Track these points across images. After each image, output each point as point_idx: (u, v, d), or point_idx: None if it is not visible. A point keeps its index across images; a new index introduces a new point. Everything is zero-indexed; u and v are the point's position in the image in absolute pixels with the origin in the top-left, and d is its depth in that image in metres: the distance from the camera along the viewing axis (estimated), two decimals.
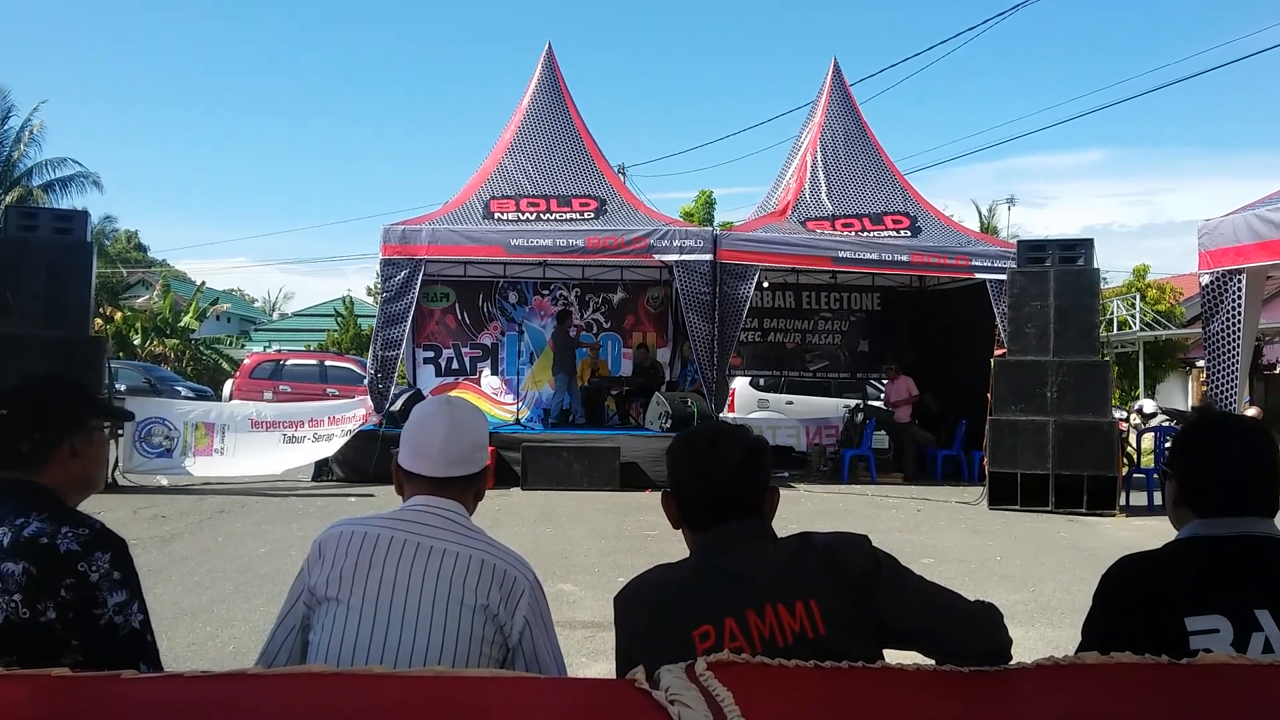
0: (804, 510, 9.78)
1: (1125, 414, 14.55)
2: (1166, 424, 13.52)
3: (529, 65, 14.96)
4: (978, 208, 37.50)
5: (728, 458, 1.75)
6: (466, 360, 15.81)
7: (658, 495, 1.90)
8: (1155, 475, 11.17)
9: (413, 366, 15.52)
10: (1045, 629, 5.41)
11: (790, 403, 17.82)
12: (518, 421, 14.25)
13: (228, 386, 21.62)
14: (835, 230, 13.16)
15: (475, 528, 1.89)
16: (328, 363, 22.02)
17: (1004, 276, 11.35)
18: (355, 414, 12.01)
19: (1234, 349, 9.44)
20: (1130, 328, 24.42)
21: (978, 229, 27.96)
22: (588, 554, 7.52)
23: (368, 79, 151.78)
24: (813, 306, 16.47)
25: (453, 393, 13.89)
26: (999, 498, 10.33)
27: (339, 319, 34.96)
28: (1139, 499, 10.89)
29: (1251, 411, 11.97)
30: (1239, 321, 9.40)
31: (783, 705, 1.23)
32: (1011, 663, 1.49)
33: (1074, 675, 1.31)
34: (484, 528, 1.91)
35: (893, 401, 14.00)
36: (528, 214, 12.97)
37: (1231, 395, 9.53)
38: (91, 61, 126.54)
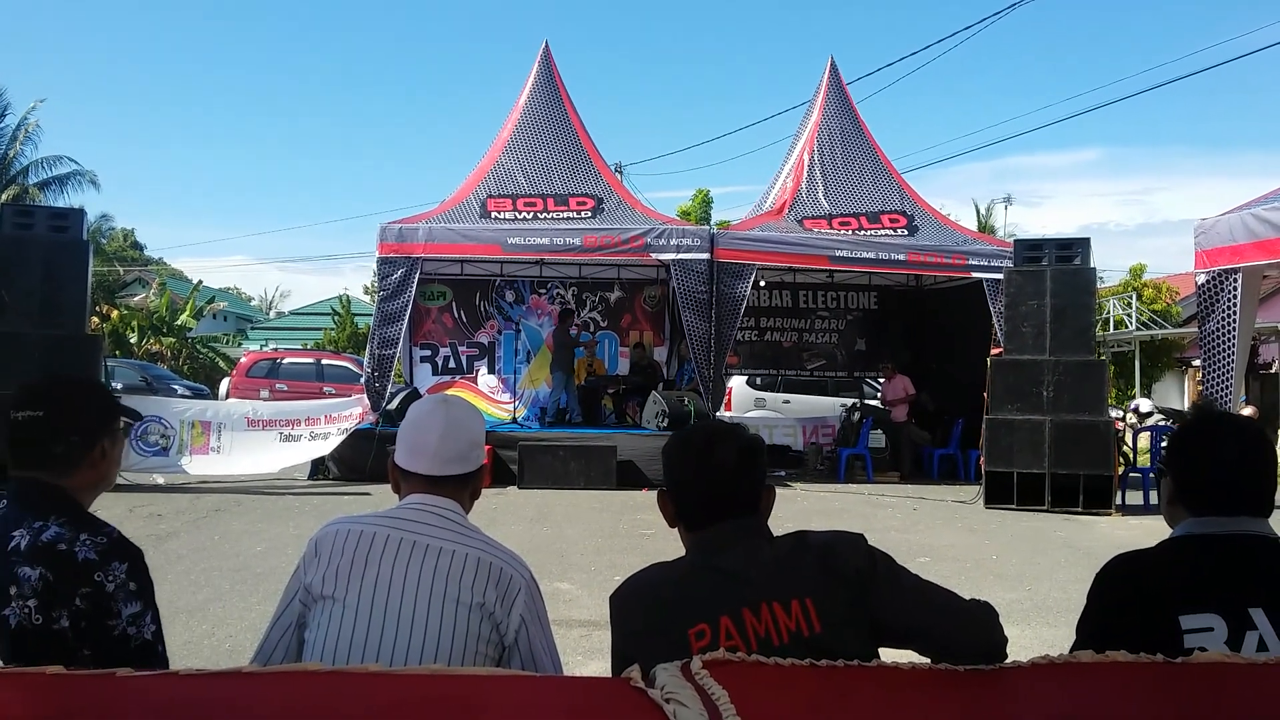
0: (800, 509, 9.78)
1: (1121, 413, 14.56)
2: (1162, 423, 13.55)
3: (526, 64, 14.97)
4: (977, 207, 37.58)
5: (724, 457, 1.74)
6: (463, 359, 15.80)
7: (654, 494, 1.90)
8: (1151, 474, 11.19)
9: (409, 365, 15.50)
10: (1041, 628, 5.42)
11: (787, 402, 17.82)
12: (514, 420, 14.24)
13: (224, 385, 21.63)
14: (832, 229, 13.16)
15: (472, 526, 1.89)
16: (324, 361, 22.00)
17: (1000, 276, 11.35)
18: (352, 412, 12.00)
19: (1230, 348, 9.46)
20: (1126, 327, 24.46)
21: (975, 228, 28.00)
22: (584, 553, 7.52)
23: (365, 78, 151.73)
24: (810, 305, 16.48)
25: (449, 391, 13.88)
26: (995, 497, 10.34)
27: (336, 317, 34.95)
28: (1135, 498, 10.91)
29: (1247, 411, 12.00)
30: (1234, 321, 9.42)
31: (778, 704, 1.23)
32: (1007, 661, 1.49)
33: (1069, 674, 1.32)
34: (480, 526, 1.91)
35: (889, 400, 14.01)
36: (524, 213, 12.95)
37: (1227, 394, 9.55)
38: (88, 60, 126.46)
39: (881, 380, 15.21)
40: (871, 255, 12.77)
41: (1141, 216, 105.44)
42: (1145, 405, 15.57)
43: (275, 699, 1.21)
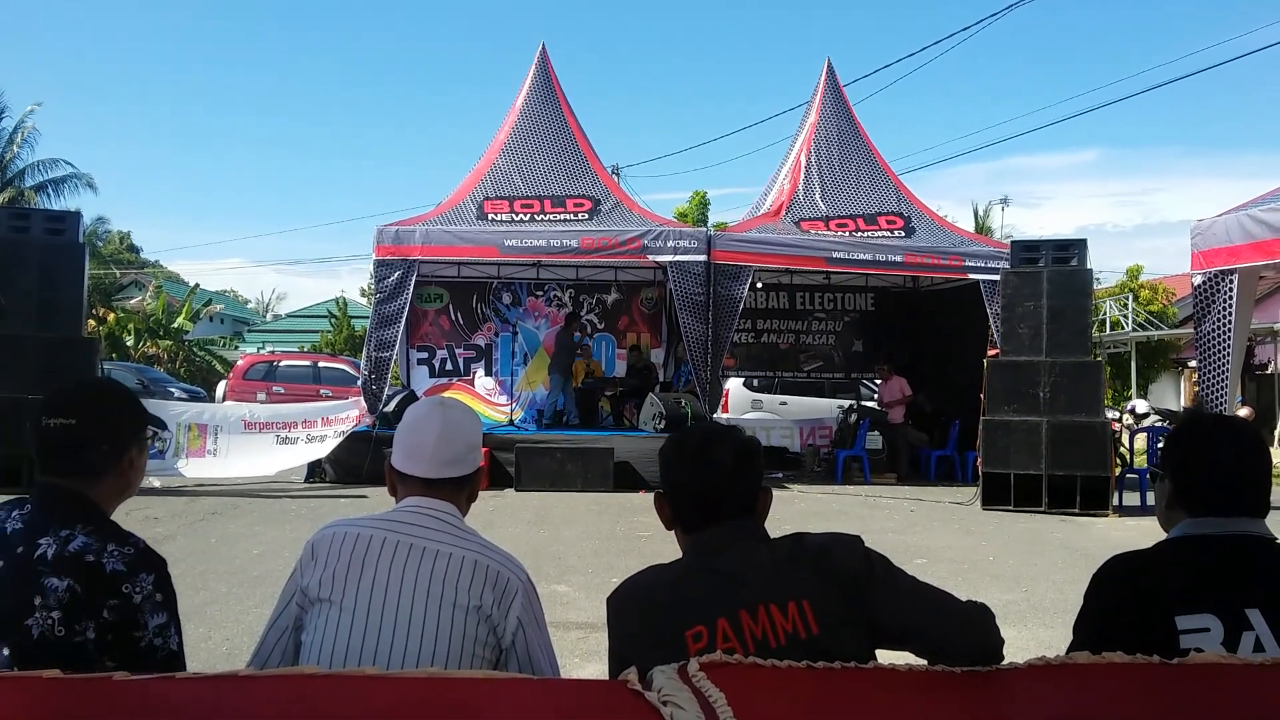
0: (797, 511, 9.79)
1: (1118, 414, 14.59)
2: (1159, 424, 13.57)
3: (523, 66, 14.99)
4: (975, 208, 37.63)
5: (720, 458, 1.75)
6: (460, 361, 15.79)
7: (651, 496, 1.90)
8: (1148, 475, 11.21)
9: (406, 367, 15.50)
10: (1038, 629, 5.42)
11: (784, 403, 17.84)
12: (511, 422, 14.25)
13: (221, 387, 21.62)
14: (829, 231, 13.17)
15: (468, 529, 1.89)
16: (321, 364, 21.99)
17: (997, 277, 11.36)
18: (348, 415, 11.99)
19: (1225, 349, 9.47)
20: (1123, 328, 24.50)
21: (973, 229, 28.03)
22: (581, 555, 7.52)
23: (362, 80, 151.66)
24: (807, 307, 16.49)
25: (446, 394, 13.88)
26: (992, 498, 10.35)
27: (333, 320, 34.94)
28: (1132, 499, 10.91)
29: (1243, 412, 12.03)
30: (1230, 322, 9.43)
31: (775, 706, 1.23)
32: (1004, 663, 1.49)
33: (1066, 675, 1.32)
34: (477, 529, 1.91)
35: (886, 402, 14.02)
36: (521, 215, 12.95)
37: (1223, 395, 9.55)
38: (85, 62, 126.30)
39: (878, 382, 15.22)
40: (868, 257, 12.79)
41: (1139, 217, 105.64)
42: (1142, 406, 15.58)
43: (272, 702, 1.21)
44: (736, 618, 1.59)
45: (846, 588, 1.62)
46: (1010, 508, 10.17)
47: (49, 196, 29.86)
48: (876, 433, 13.59)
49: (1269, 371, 22.79)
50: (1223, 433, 1.88)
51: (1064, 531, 9.11)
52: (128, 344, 28.72)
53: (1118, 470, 10.74)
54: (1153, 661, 1.34)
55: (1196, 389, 10.46)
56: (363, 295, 41.40)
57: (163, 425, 7.84)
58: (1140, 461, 12.15)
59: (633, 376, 14.80)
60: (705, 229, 15.18)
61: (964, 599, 1.68)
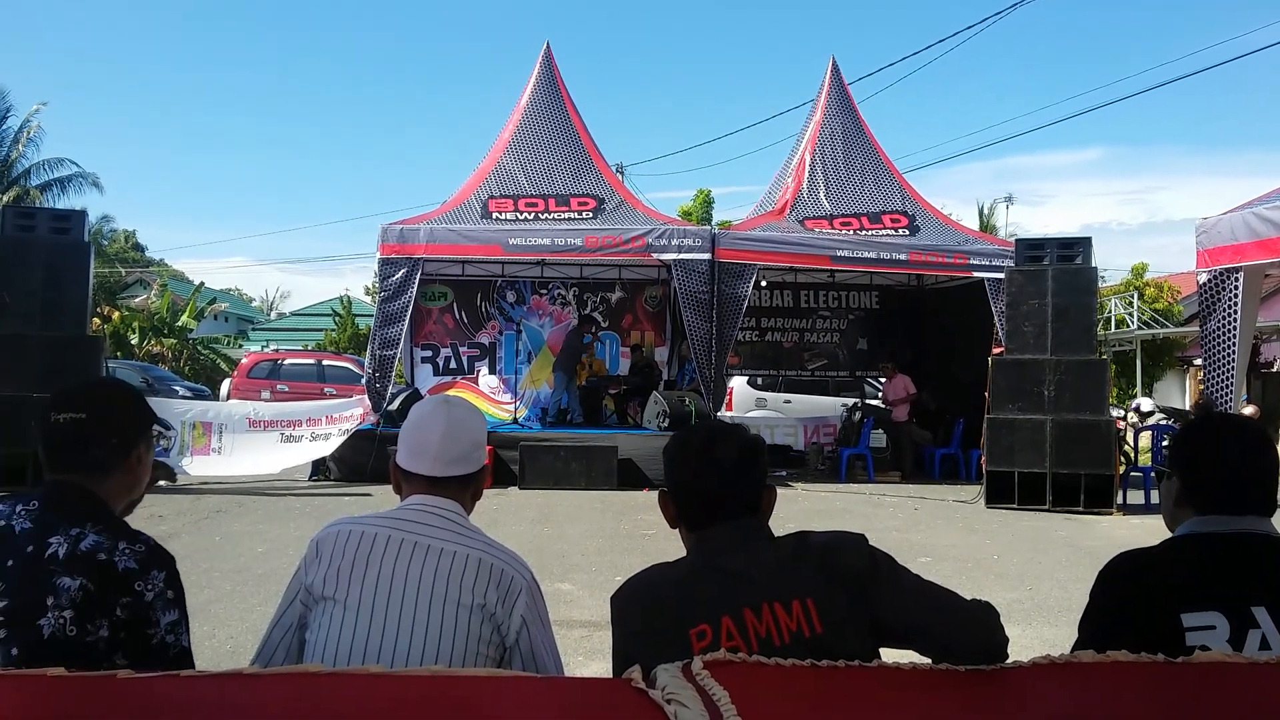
0: (801, 509, 9.78)
1: (1123, 412, 14.55)
2: (1164, 422, 13.53)
3: (527, 65, 14.97)
4: (979, 207, 37.53)
5: (724, 457, 1.74)
6: (464, 359, 15.80)
7: (655, 494, 1.90)
8: (1152, 474, 11.19)
9: (410, 366, 15.50)
10: (1042, 627, 5.41)
11: (788, 401, 17.82)
12: (515, 421, 14.24)
13: (225, 386, 21.60)
14: (833, 229, 13.15)
15: (473, 527, 1.89)
16: (325, 362, 21.98)
17: (1002, 275, 11.34)
18: (353, 413, 12.01)
19: (1231, 347, 9.45)
20: (1128, 326, 24.46)
21: (977, 228, 27.99)
22: (585, 553, 7.52)
23: (366, 78, 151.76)
24: (811, 305, 16.48)
25: (450, 392, 13.88)
26: (996, 496, 10.34)
27: (337, 318, 34.91)
28: (1136, 497, 10.90)
29: (1249, 410, 11.96)
30: (1236, 319, 9.41)
31: (779, 704, 1.23)
32: (1008, 661, 1.49)
33: (1070, 674, 1.32)
34: (482, 527, 1.91)
35: (890, 400, 14.00)
36: (526, 213, 12.96)
37: (1229, 393, 9.54)
38: (90, 62, 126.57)
39: (882, 380, 15.20)
40: (873, 255, 12.77)
41: (1143, 216, 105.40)
42: (1147, 404, 15.55)
43: (276, 700, 1.21)
44: (741, 616, 1.59)
45: (851, 586, 1.62)
46: (1014, 506, 10.16)
47: (54, 195, 29.96)
48: (881, 431, 13.59)
49: (1275, 369, 22.73)
50: (1230, 431, 1.88)
51: (1068, 530, 9.09)
52: (132, 342, 28.75)
53: (1122, 469, 10.72)
54: (1157, 660, 1.34)
55: (1202, 387, 10.45)
56: (367, 293, 41.44)
57: (168, 425, 7.85)
58: (1145, 460, 12.12)
59: (636, 375, 14.80)
60: (709, 227, 15.15)
61: (968, 597, 1.67)
